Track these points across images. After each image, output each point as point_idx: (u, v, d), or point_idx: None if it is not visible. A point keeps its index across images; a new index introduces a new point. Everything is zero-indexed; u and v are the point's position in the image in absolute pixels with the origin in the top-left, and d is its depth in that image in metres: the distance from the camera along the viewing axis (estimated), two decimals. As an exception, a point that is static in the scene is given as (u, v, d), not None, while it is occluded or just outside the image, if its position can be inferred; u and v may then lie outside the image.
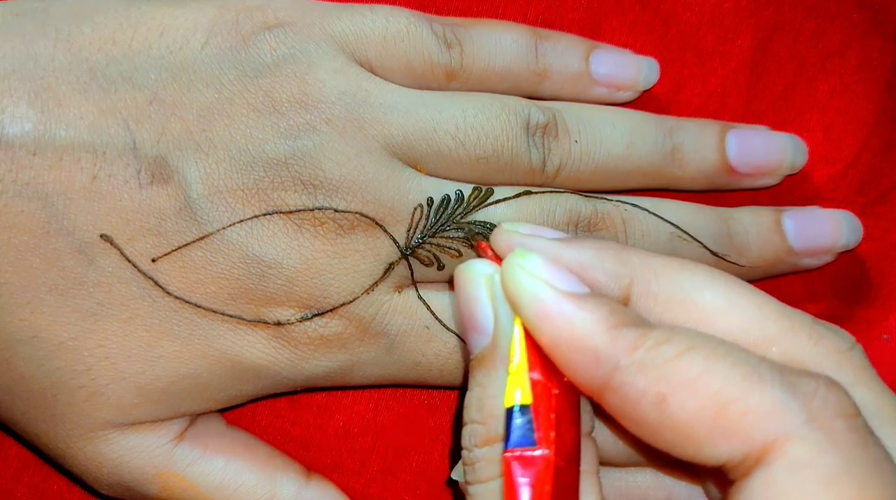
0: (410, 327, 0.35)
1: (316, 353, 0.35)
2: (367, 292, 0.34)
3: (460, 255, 0.35)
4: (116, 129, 0.32)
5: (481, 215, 0.35)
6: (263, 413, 0.39)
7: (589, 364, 0.27)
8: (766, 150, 0.40)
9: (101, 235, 0.32)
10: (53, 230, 0.32)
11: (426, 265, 0.35)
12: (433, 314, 0.35)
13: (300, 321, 0.34)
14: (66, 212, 0.32)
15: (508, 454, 0.27)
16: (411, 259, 0.35)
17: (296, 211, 0.33)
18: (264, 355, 0.34)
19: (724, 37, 0.41)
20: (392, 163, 0.34)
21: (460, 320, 0.30)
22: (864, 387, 0.27)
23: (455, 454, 0.39)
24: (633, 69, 0.40)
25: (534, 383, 0.28)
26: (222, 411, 0.38)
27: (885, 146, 0.41)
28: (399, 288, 0.35)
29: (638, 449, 0.33)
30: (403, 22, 0.36)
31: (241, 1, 0.35)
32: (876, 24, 0.41)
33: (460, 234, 0.35)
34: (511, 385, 0.28)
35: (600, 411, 0.30)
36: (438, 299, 0.36)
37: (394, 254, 0.35)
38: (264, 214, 0.33)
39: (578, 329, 0.27)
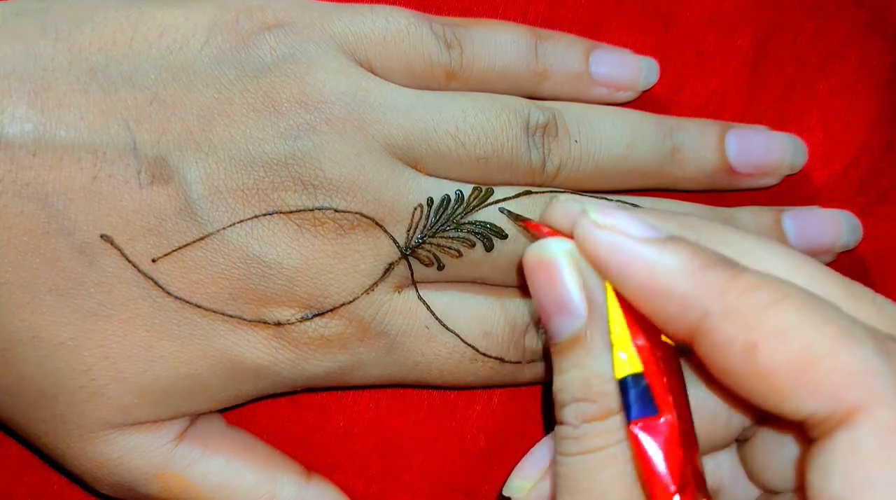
0: (410, 327, 0.35)
1: (316, 353, 0.35)
2: (367, 292, 0.34)
3: (460, 255, 0.35)
4: (117, 129, 0.32)
5: (482, 215, 0.35)
6: (263, 413, 0.39)
7: (678, 311, 0.26)
8: (766, 150, 0.40)
9: (102, 236, 0.32)
10: (53, 230, 0.32)
11: (426, 265, 0.35)
12: (433, 314, 0.35)
13: (300, 321, 0.34)
14: (67, 212, 0.32)
15: (633, 426, 0.27)
16: (411, 259, 0.35)
17: (296, 211, 0.33)
18: (264, 355, 0.34)
19: (724, 37, 0.41)
20: (392, 163, 0.34)
21: (541, 307, 0.29)
22: None
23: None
24: (633, 69, 0.40)
25: (640, 350, 0.28)
26: (222, 411, 0.38)
27: (885, 146, 0.41)
28: (399, 288, 0.35)
29: (725, 397, 0.32)
30: (403, 22, 0.36)
31: (241, 1, 0.35)
32: (876, 25, 0.41)
33: (461, 233, 0.35)
34: (618, 356, 0.28)
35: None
36: (438, 299, 0.36)
37: (394, 254, 0.35)
38: (264, 215, 0.33)
39: (664, 274, 0.27)
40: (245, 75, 0.34)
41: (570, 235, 0.29)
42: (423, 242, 0.35)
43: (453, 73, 0.37)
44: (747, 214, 0.39)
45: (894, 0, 0.41)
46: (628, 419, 0.27)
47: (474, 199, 0.35)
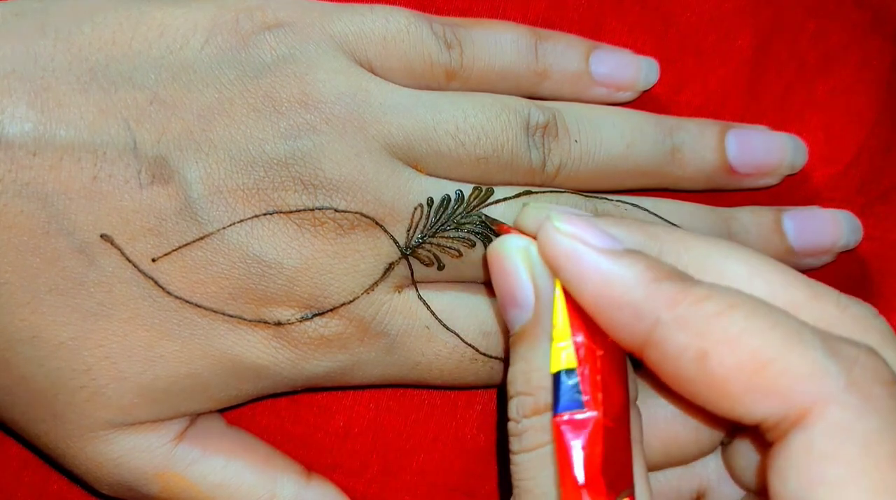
0: (410, 327, 0.35)
1: (316, 353, 0.35)
2: (367, 291, 0.34)
3: (460, 255, 0.35)
4: (117, 129, 0.32)
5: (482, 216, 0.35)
6: (263, 413, 0.39)
7: (630, 320, 0.27)
8: (766, 150, 0.40)
9: (102, 235, 0.32)
10: (53, 230, 0.32)
11: (426, 265, 0.35)
12: (433, 314, 0.35)
13: (300, 321, 0.34)
14: (67, 212, 0.32)
15: (558, 419, 0.28)
16: (411, 259, 0.35)
17: (296, 211, 0.33)
18: (264, 354, 0.34)
19: (724, 37, 0.41)
20: (392, 163, 0.34)
21: (499, 298, 0.31)
22: (891, 353, 0.27)
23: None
24: (633, 69, 0.40)
25: (578, 346, 0.28)
26: (222, 411, 0.38)
27: (885, 146, 0.41)
28: (399, 288, 0.35)
29: (679, 405, 0.33)
30: (403, 22, 0.36)
31: (241, 1, 0.35)
32: (876, 25, 0.41)
33: (461, 233, 0.35)
34: (556, 350, 0.28)
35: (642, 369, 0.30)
36: (438, 299, 0.36)
37: (394, 254, 0.35)
38: (264, 214, 0.33)
39: (617, 285, 0.27)
40: (245, 75, 0.34)
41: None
42: (424, 242, 0.35)
43: (453, 73, 0.37)
44: (747, 214, 0.39)
45: (894, 0, 0.41)
46: (554, 412, 0.28)
47: (474, 199, 0.35)
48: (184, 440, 0.36)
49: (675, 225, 0.37)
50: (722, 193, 0.40)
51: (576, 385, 0.28)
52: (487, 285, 0.37)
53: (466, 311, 0.36)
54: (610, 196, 0.38)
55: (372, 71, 0.36)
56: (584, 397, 0.28)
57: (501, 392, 0.39)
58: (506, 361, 0.36)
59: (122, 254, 0.33)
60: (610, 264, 0.28)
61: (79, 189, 0.32)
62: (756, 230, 0.39)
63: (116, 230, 0.32)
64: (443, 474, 0.39)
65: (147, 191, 0.32)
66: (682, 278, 0.27)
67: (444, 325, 0.36)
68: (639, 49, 0.41)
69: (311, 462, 0.39)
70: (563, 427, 0.28)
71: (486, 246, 0.35)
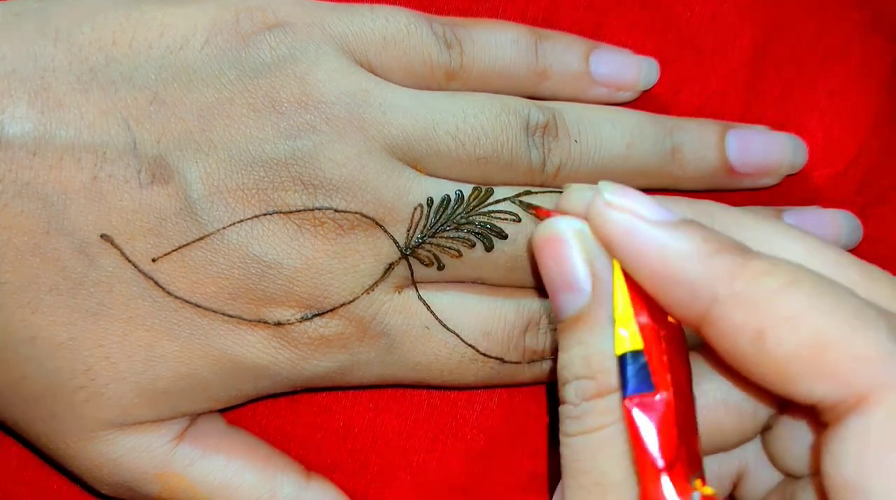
0: (410, 327, 0.35)
1: (316, 353, 0.35)
2: (367, 292, 0.34)
3: (460, 255, 0.35)
4: (117, 129, 0.32)
5: (482, 215, 0.35)
6: (263, 413, 0.39)
7: (687, 296, 0.27)
8: (766, 149, 0.40)
9: (102, 235, 0.32)
10: (53, 230, 0.32)
11: (426, 265, 0.35)
12: (433, 314, 0.35)
13: (300, 321, 0.34)
14: (67, 212, 0.32)
15: (629, 402, 0.27)
16: (411, 259, 0.35)
17: (296, 211, 0.33)
18: (264, 355, 0.34)
19: (724, 37, 0.41)
20: (392, 163, 0.34)
21: (549, 283, 0.30)
22: None
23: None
24: (633, 69, 0.40)
25: (642, 328, 0.28)
26: (222, 411, 0.38)
27: (885, 146, 0.41)
28: (399, 288, 0.35)
29: (734, 380, 0.32)
30: (403, 22, 0.36)
31: (241, 0, 0.35)
32: (876, 25, 0.41)
33: (461, 233, 0.35)
34: (619, 333, 0.28)
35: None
36: (438, 299, 0.36)
37: (394, 254, 0.35)
38: (264, 214, 0.33)
39: (674, 258, 0.27)
40: (245, 75, 0.34)
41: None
42: (423, 243, 0.35)
43: (453, 73, 0.37)
44: None
45: (894, 0, 0.41)
46: (623, 395, 0.27)
47: (474, 199, 0.35)
48: (184, 440, 0.36)
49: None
50: (722, 192, 0.40)
51: (644, 367, 0.27)
52: (488, 285, 0.37)
53: (466, 311, 0.36)
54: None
55: (372, 71, 0.36)
56: (654, 379, 0.27)
57: (502, 392, 0.39)
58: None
59: (122, 254, 0.33)
60: (666, 236, 0.27)
61: (79, 189, 0.32)
62: None
63: (116, 230, 0.32)
64: (443, 474, 0.39)
65: (147, 191, 0.32)
66: (741, 250, 0.27)
67: (444, 325, 0.36)
68: (639, 49, 0.41)
69: (311, 462, 0.39)
70: (635, 411, 0.27)
71: (486, 246, 0.35)
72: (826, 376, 0.25)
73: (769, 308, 0.25)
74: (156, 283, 0.33)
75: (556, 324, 0.30)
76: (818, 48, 0.41)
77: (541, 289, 0.36)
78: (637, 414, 0.27)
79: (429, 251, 0.35)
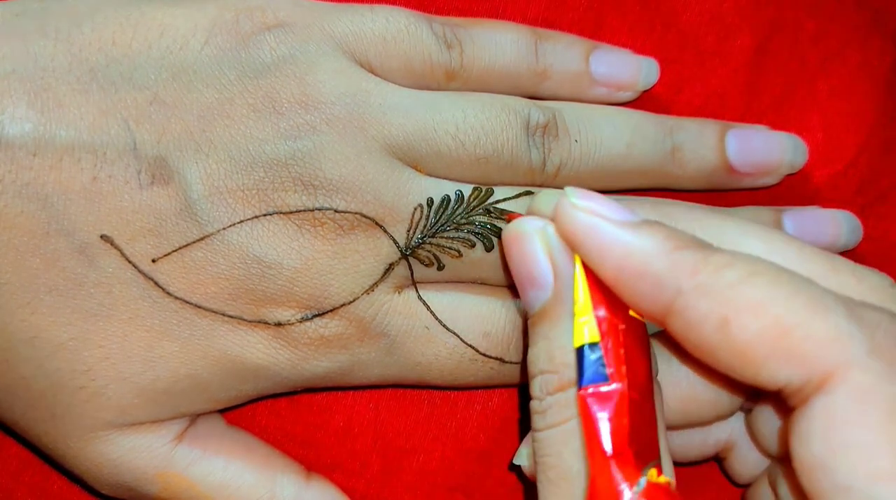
0: (410, 327, 0.35)
1: (316, 353, 0.35)
2: (367, 292, 0.34)
3: (460, 255, 0.35)
4: (117, 129, 0.32)
5: (482, 215, 0.35)
6: (263, 413, 0.39)
7: (651, 290, 0.28)
8: (766, 149, 0.40)
9: (102, 236, 0.32)
10: (53, 231, 0.32)
11: (426, 266, 0.35)
12: (433, 315, 0.35)
13: (300, 322, 0.34)
14: (67, 212, 0.32)
15: (583, 392, 0.28)
16: (411, 259, 0.35)
17: (296, 211, 0.33)
18: (265, 355, 0.34)
19: (724, 37, 0.41)
20: (392, 163, 0.34)
21: (516, 280, 0.31)
22: None
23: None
24: (633, 69, 0.40)
25: (600, 321, 0.29)
26: (222, 411, 0.38)
27: (885, 146, 0.41)
28: (399, 289, 0.35)
29: (700, 372, 0.33)
30: (403, 22, 0.36)
31: (241, 1, 0.35)
32: (876, 25, 0.41)
33: (461, 234, 0.35)
34: (578, 326, 0.29)
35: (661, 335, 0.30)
36: (438, 299, 0.36)
37: (394, 254, 0.35)
38: (264, 215, 0.33)
39: (638, 255, 0.28)
40: (245, 75, 0.34)
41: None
42: (423, 243, 0.35)
43: (453, 73, 0.37)
44: (747, 214, 0.39)
45: (894, 0, 0.41)
46: (579, 386, 0.28)
47: (474, 199, 0.35)
48: (184, 440, 0.36)
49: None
50: (722, 192, 0.40)
51: (599, 359, 0.28)
52: (488, 285, 0.37)
53: (466, 311, 0.36)
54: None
55: (372, 71, 0.36)
56: (609, 370, 0.28)
57: (502, 393, 0.39)
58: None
59: (122, 254, 0.33)
60: (629, 235, 0.28)
61: (79, 190, 0.32)
62: None
63: (116, 231, 0.32)
64: (443, 474, 0.39)
65: (147, 191, 0.32)
66: (702, 246, 0.28)
67: (444, 325, 0.36)
68: (639, 49, 0.41)
69: (311, 462, 0.39)
70: (589, 400, 0.28)
71: (485, 246, 0.35)
72: (789, 360, 0.26)
73: (732, 297, 0.26)
74: (156, 283, 0.33)
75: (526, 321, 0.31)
76: (818, 48, 0.41)
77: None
78: (591, 404, 0.28)
79: (429, 251, 0.35)
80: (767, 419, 0.33)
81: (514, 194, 0.36)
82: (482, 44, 0.37)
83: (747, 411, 0.34)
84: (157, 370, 0.33)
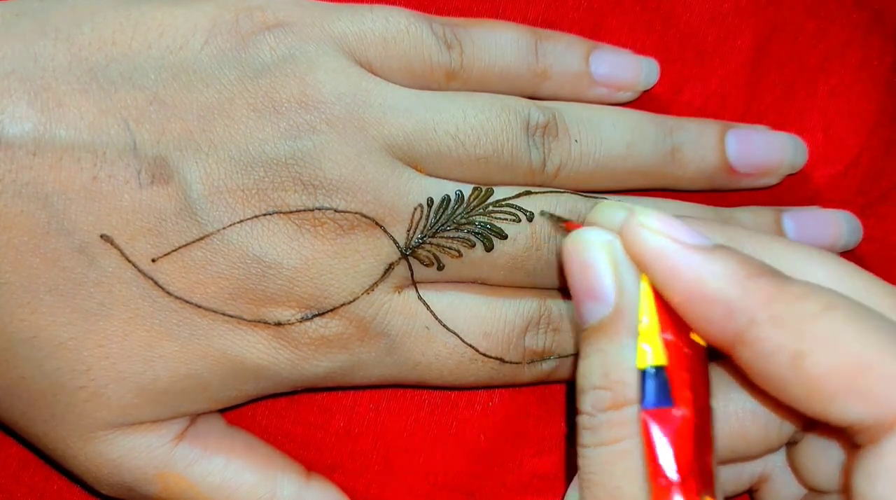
0: (410, 327, 0.35)
1: (316, 353, 0.35)
2: (367, 292, 0.34)
3: (460, 255, 0.35)
4: (117, 129, 0.32)
5: (482, 216, 0.35)
6: (263, 413, 0.39)
7: (722, 317, 0.27)
8: (766, 150, 0.40)
9: (102, 236, 0.32)
10: (53, 230, 0.32)
11: (426, 266, 0.35)
12: (433, 315, 0.35)
13: (300, 322, 0.34)
14: (66, 212, 0.32)
15: (646, 415, 0.27)
16: (411, 259, 0.35)
17: (296, 211, 0.33)
18: (265, 355, 0.34)
19: (724, 37, 0.41)
20: (392, 163, 0.34)
21: (573, 290, 0.30)
22: None
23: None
24: (633, 69, 0.40)
25: (667, 344, 0.28)
26: (222, 410, 0.38)
27: (885, 146, 0.41)
28: (399, 288, 0.35)
29: (759, 398, 0.32)
30: (403, 22, 0.36)
31: (241, 0, 0.35)
32: (876, 25, 0.41)
33: (461, 234, 0.35)
34: (642, 347, 0.28)
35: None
36: (438, 299, 0.36)
37: (394, 254, 0.35)
38: (264, 215, 0.33)
39: (711, 281, 0.27)
40: (245, 75, 0.34)
41: None
42: (423, 243, 0.35)
43: (453, 73, 0.37)
44: (747, 214, 0.39)
45: (894, 0, 0.41)
46: (642, 407, 0.28)
47: (474, 199, 0.35)
48: (184, 440, 0.36)
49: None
50: (722, 192, 0.40)
51: (665, 383, 0.28)
52: (488, 286, 0.37)
53: (466, 311, 0.36)
54: (610, 196, 0.38)
55: (372, 71, 0.36)
56: (673, 395, 0.28)
57: (502, 393, 0.39)
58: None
59: (122, 254, 0.33)
60: (702, 260, 0.27)
61: (79, 189, 0.32)
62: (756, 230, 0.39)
63: (116, 230, 0.32)
64: (443, 474, 0.39)
65: (147, 191, 0.32)
66: (776, 274, 0.27)
67: (444, 325, 0.36)
68: (639, 49, 0.41)
69: (311, 462, 0.39)
70: (651, 423, 0.27)
71: (486, 246, 0.35)
72: (864, 398, 0.25)
73: (807, 330, 0.26)
74: (156, 283, 0.33)
75: (579, 332, 0.30)
76: (818, 48, 0.41)
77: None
78: (653, 428, 0.27)
79: (429, 251, 0.35)
80: (814, 452, 0.33)
81: (514, 194, 0.36)
82: (482, 44, 0.37)
83: (791, 444, 0.34)
84: (156, 370, 0.33)
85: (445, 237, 0.35)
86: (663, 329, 0.28)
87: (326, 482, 0.38)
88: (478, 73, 0.38)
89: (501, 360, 0.36)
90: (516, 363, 0.37)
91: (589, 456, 0.29)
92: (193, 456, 0.36)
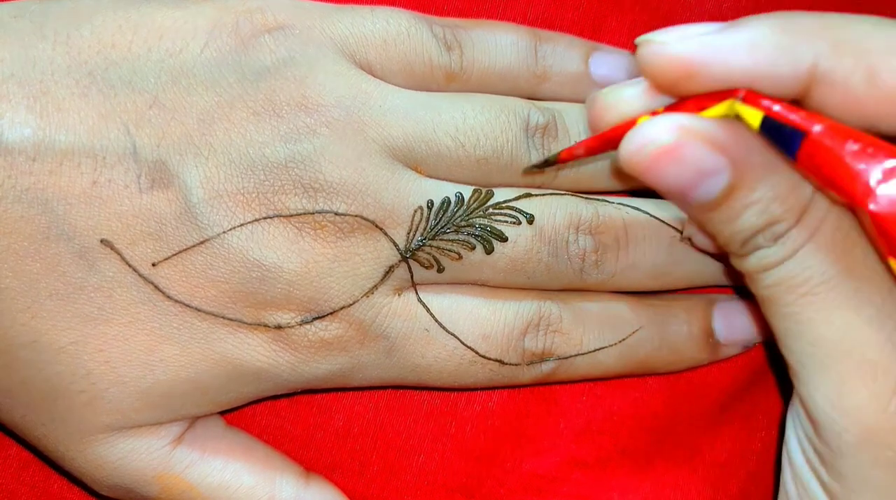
0: (410, 329, 0.35)
1: (316, 356, 0.35)
2: (366, 295, 0.34)
3: (460, 257, 0.35)
4: (116, 133, 0.32)
5: (482, 218, 0.35)
6: (263, 413, 0.39)
7: (791, 67, 0.27)
8: None
9: (102, 240, 0.32)
10: (53, 235, 0.32)
11: (426, 268, 0.35)
12: (433, 317, 0.35)
13: (300, 325, 0.34)
14: (67, 217, 0.32)
15: (813, 134, 0.27)
16: (411, 262, 0.35)
17: (296, 215, 0.33)
18: (265, 358, 0.34)
19: (724, 37, 0.41)
20: (392, 165, 0.34)
21: (680, 187, 0.29)
22: None
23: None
24: (633, 70, 0.40)
25: (746, 98, 0.28)
26: (222, 411, 0.38)
27: (884, 147, 0.41)
28: (399, 291, 0.35)
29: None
30: (404, 24, 0.36)
31: (240, 3, 0.35)
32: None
33: (461, 236, 0.35)
34: (744, 118, 0.28)
35: None
36: (438, 301, 0.36)
37: (394, 257, 0.35)
38: (264, 218, 0.33)
39: (763, 43, 0.27)
40: (245, 79, 0.34)
41: (628, 126, 0.29)
42: (423, 245, 0.35)
43: (453, 74, 0.37)
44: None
45: (893, 2, 0.41)
46: (792, 152, 0.28)
47: (474, 201, 0.35)
48: (183, 442, 0.36)
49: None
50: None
51: (781, 123, 0.28)
52: (488, 288, 0.37)
53: (466, 313, 0.36)
54: (611, 198, 0.38)
55: (372, 73, 0.36)
56: (798, 116, 0.27)
57: (502, 393, 0.39)
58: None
59: (122, 259, 0.33)
60: (742, 33, 0.27)
61: (78, 194, 0.32)
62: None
63: (116, 235, 0.32)
64: (443, 474, 0.39)
65: (147, 195, 0.32)
66: (812, 14, 0.28)
67: (443, 327, 0.36)
68: (638, 49, 0.41)
69: (311, 462, 0.39)
70: (821, 138, 0.27)
71: (486, 249, 0.35)
72: None
73: (871, 46, 0.27)
74: (156, 287, 0.33)
75: (700, 211, 0.30)
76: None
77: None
78: (824, 140, 0.27)
79: (429, 254, 0.35)
80: None
81: (514, 197, 0.36)
82: (482, 46, 0.37)
83: None
84: (157, 374, 0.34)
85: (445, 240, 0.35)
86: (732, 96, 0.28)
87: (325, 482, 0.38)
88: (478, 74, 0.37)
89: (501, 361, 0.36)
90: (516, 365, 0.37)
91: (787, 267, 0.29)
92: (192, 458, 0.36)
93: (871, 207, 0.27)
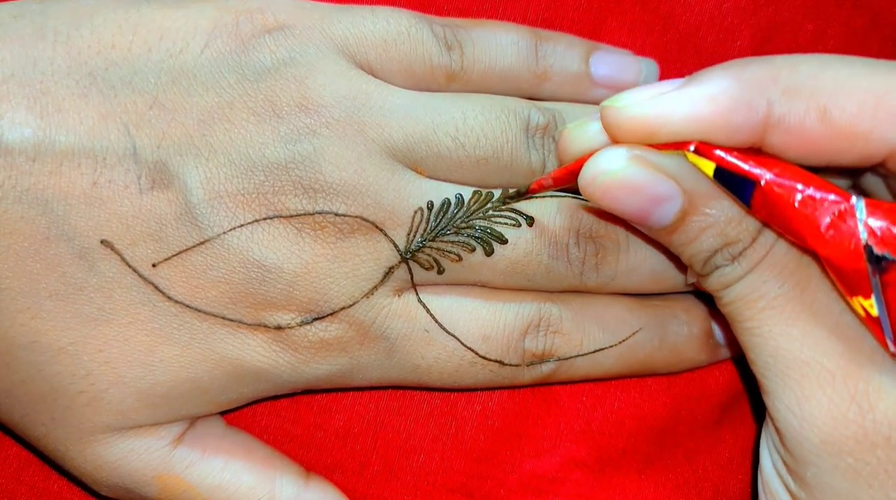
0: (410, 330, 0.35)
1: (316, 357, 0.35)
2: (366, 295, 0.34)
3: (460, 259, 0.35)
4: (116, 134, 0.32)
5: (482, 220, 0.35)
6: (263, 413, 0.39)
7: (745, 116, 0.29)
8: None
9: (102, 241, 0.32)
10: (54, 236, 0.32)
11: (426, 269, 0.35)
12: (433, 318, 0.35)
13: (300, 325, 0.34)
14: (67, 217, 0.32)
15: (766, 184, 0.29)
16: (411, 263, 0.35)
17: (296, 215, 0.33)
18: (265, 358, 0.34)
19: (724, 37, 0.41)
20: (392, 166, 0.34)
21: (637, 212, 0.31)
22: None
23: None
24: (633, 70, 0.40)
25: (698, 149, 0.30)
26: (222, 412, 0.38)
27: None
28: (399, 292, 0.35)
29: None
30: (404, 24, 0.36)
31: (240, 3, 0.35)
32: (874, 27, 0.41)
33: (461, 238, 0.35)
34: (697, 167, 0.30)
35: None
36: (438, 302, 0.36)
37: (394, 258, 0.35)
38: (265, 219, 0.33)
39: (720, 96, 0.29)
40: (245, 79, 0.34)
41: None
42: (424, 246, 0.35)
43: (454, 74, 0.37)
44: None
45: (892, 2, 0.41)
46: (746, 200, 0.29)
47: (474, 203, 0.35)
48: (183, 442, 0.36)
49: None
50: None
51: (731, 172, 0.29)
52: (488, 289, 0.37)
53: (466, 314, 0.36)
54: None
55: (372, 73, 0.36)
56: (749, 165, 0.29)
57: (502, 393, 0.39)
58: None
59: (123, 259, 0.33)
60: (697, 89, 0.29)
61: (79, 195, 0.32)
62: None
63: (116, 236, 0.32)
64: (443, 474, 0.39)
65: (147, 196, 0.32)
66: (762, 60, 0.29)
67: (443, 328, 0.36)
68: (639, 49, 0.41)
69: (311, 462, 0.39)
70: (773, 186, 0.29)
71: (485, 251, 0.35)
72: (892, 121, 0.28)
73: (820, 86, 0.28)
74: (156, 288, 0.33)
75: (659, 234, 0.32)
76: (817, 50, 0.41)
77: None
78: (778, 186, 0.29)
79: (429, 255, 0.35)
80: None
81: (511, 195, 0.36)
82: (482, 45, 0.37)
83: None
84: (157, 374, 0.34)
85: (445, 241, 0.35)
86: (684, 147, 0.30)
87: (325, 482, 0.38)
88: (478, 74, 0.37)
89: (501, 362, 0.36)
90: (516, 366, 0.37)
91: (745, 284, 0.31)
92: (192, 458, 0.36)
93: (822, 253, 0.28)
